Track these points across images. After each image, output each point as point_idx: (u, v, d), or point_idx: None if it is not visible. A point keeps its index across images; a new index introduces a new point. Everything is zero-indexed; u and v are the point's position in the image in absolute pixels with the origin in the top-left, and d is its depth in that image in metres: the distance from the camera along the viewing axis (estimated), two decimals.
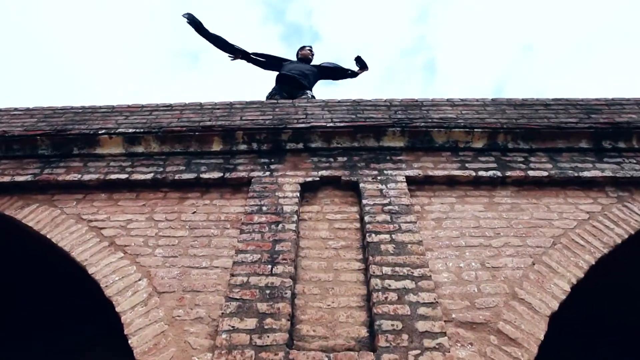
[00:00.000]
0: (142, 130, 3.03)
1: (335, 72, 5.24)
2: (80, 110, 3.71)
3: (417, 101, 3.65)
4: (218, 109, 3.60)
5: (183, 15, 4.72)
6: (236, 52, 4.90)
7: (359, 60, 5.21)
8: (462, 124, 2.98)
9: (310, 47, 5.29)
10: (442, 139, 2.98)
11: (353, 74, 5.25)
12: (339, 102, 3.64)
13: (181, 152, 3.02)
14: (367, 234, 2.31)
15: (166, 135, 3.02)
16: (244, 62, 5.05)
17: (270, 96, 4.55)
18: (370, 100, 3.65)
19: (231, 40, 5.00)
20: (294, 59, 5.30)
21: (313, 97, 4.61)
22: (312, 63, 5.16)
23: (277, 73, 4.87)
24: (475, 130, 2.96)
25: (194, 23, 4.75)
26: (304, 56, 5.17)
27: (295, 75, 4.67)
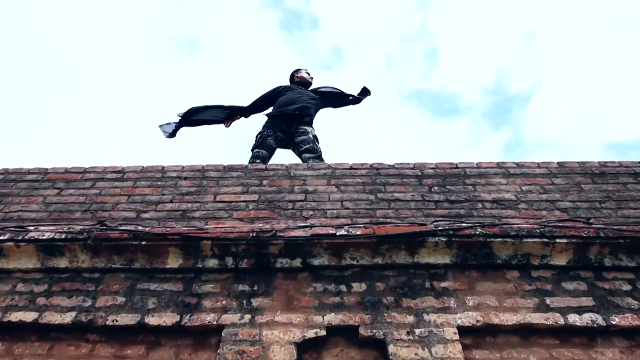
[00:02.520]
0: (64, 237, 2.05)
1: (337, 99, 4.21)
2: (1, 177, 2.74)
3: (457, 167, 2.66)
4: (185, 178, 2.62)
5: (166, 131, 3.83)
6: (230, 117, 3.94)
7: (364, 90, 4.23)
8: (536, 231, 2.00)
9: (307, 69, 4.26)
10: (506, 253, 2.01)
11: (355, 100, 4.23)
12: (350, 168, 2.66)
13: (122, 268, 2.06)
14: None
15: (100, 245, 2.05)
16: (242, 119, 4.07)
17: (262, 139, 3.54)
18: (394, 166, 2.66)
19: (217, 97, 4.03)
20: (287, 82, 4.27)
21: (315, 137, 3.61)
22: (310, 88, 4.15)
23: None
24: (557, 241, 1.99)
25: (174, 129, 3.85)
26: (303, 80, 4.14)
27: (291, 112, 3.66)
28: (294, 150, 3.65)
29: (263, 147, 3.44)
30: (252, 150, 3.48)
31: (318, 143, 3.58)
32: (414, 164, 2.69)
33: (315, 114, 3.98)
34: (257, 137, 3.58)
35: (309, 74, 4.20)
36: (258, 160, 3.33)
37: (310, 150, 3.44)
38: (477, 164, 2.70)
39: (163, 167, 2.73)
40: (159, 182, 2.61)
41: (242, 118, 4.09)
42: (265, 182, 2.58)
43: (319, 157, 3.40)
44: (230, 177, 2.62)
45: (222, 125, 3.98)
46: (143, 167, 2.74)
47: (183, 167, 2.73)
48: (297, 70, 4.23)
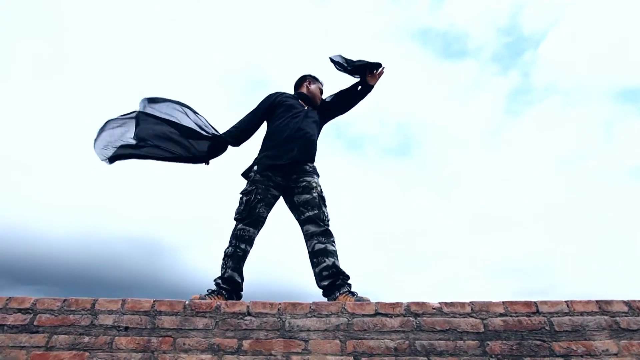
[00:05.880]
0: None
1: (346, 99, 3.07)
2: None
3: (537, 312, 1.76)
4: (125, 329, 1.74)
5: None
6: (213, 153, 2.83)
7: (371, 66, 2.90)
8: None
9: (322, 84, 3.10)
10: None
11: (366, 88, 3.01)
12: (375, 314, 1.75)
13: None
14: None
15: None
16: (230, 149, 2.92)
17: (248, 207, 2.45)
18: (441, 311, 1.75)
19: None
20: (285, 89, 3.13)
21: (321, 196, 2.59)
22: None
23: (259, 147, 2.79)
24: None
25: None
26: (311, 97, 3.02)
27: (288, 161, 2.63)
28: (291, 211, 2.68)
29: (250, 221, 2.46)
30: (235, 219, 2.51)
31: (325, 205, 2.59)
32: (472, 305, 1.77)
33: (318, 138, 2.94)
34: (241, 198, 2.56)
35: (322, 91, 3.06)
36: (243, 246, 2.39)
37: (314, 221, 2.47)
38: (567, 304, 1.78)
39: (94, 304, 1.81)
40: (86, 339, 1.71)
41: (230, 147, 3.01)
42: (246, 343, 1.69)
43: (325, 233, 2.45)
44: (194, 330, 1.73)
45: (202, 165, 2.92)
46: (64, 301, 1.83)
47: (124, 302, 1.82)
48: (310, 80, 3.06)
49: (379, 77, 2.98)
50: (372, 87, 2.99)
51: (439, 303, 1.78)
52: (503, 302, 1.78)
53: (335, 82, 3.15)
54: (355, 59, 2.95)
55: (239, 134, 2.86)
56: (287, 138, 2.67)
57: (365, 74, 2.96)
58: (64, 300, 1.83)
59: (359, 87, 3.01)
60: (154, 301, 1.81)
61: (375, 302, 1.79)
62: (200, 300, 2.04)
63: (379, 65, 2.94)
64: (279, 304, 1.79)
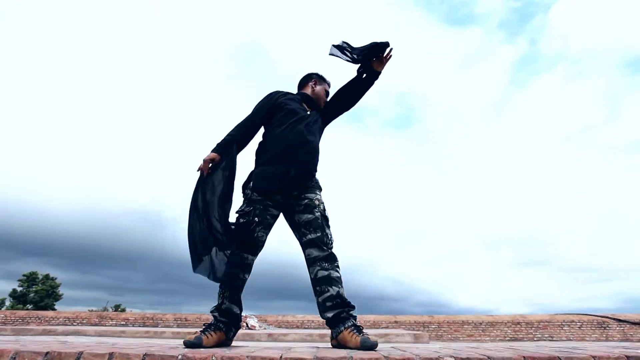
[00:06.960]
0: None
1: (347, 95, 2.80)
2: None
3: None
4: None
5: None
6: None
7: (377, 47, 2.57)
8: None
9: (329, 84, 2.86)
10: None
11: (372, 75, 2.64)
12: None
13: None
14: None
15: None
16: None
17: (246, 230, 2.33)
18: None
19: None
20: (284, 89, 2.87)
21: (324, 216, 2.41)
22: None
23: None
24: None
25: None
26: (317, 98, 2.77)
27: (300, 175, 2.43)
28: (292, 230, 2.50)
29: (249, 244, 2.29)
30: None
31: (328, 225, 2.40)
32: None
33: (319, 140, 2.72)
34: (238, 219, 2.38)
35: (328, 93, 2.82)
36: (241, 274, 2.24)
37: (316, 245, 2.30)
38: None
39: (78, 358, 1.67)
40: None
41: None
42: None
43: (329, 258, 2.29)
44: None
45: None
46: (46, 354, 1.68)
47: (111, 356, 1.67)
48: (316, 80, 2.80)
49: (387, 62, 2.67)
50: (379, 73, 2.69)
51: (453, 358, 1.63)
52: (524, 357, 1.63)
53: (341, 81, 2.86)
54: (357, 45, 2.64)
55: (239, 143, 2.59)
56: (288, 150, 2.44)
57: (370, 58, 2.64)
58: (46, 354, 1.69)
59: (364, 75, 2.71)
60: (143, 355, 1.67)
61: (385, 358, 1.64)
62: (195, 343, 1.91)
63: (386, 45, 2.58)
64: (280, 358, 1.65)
